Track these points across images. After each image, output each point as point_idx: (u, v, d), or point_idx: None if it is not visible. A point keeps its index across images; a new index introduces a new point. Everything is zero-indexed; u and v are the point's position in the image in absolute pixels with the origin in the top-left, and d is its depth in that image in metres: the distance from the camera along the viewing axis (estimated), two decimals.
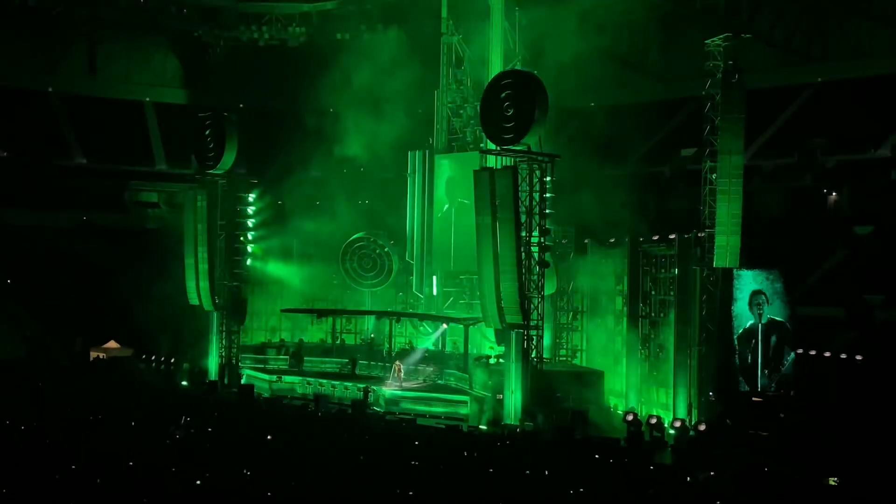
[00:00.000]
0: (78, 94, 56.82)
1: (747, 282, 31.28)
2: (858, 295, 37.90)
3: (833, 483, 23.20)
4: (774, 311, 31.21)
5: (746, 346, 31.31)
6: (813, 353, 33.16)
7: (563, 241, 39.49)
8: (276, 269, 46.77)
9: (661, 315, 34.40)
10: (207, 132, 41.03)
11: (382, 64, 42.67)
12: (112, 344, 46.43)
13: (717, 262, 31.40)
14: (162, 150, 56.68)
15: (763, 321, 31.13)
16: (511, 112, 32.42)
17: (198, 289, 41.53)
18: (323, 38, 56.33)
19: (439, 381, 38.45)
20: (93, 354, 45.79)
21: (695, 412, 31.93)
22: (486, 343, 39.80)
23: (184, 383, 41.13)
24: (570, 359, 39.80)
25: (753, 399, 31.56)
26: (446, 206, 43.66)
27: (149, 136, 57.49)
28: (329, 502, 21.26)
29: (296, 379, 40.00)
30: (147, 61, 59.52)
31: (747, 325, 31.18)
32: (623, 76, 54.48)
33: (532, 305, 33.37)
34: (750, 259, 32.02)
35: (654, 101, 52.22)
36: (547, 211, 33.26)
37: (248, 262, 43.33)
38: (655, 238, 34.74)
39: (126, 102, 57.70)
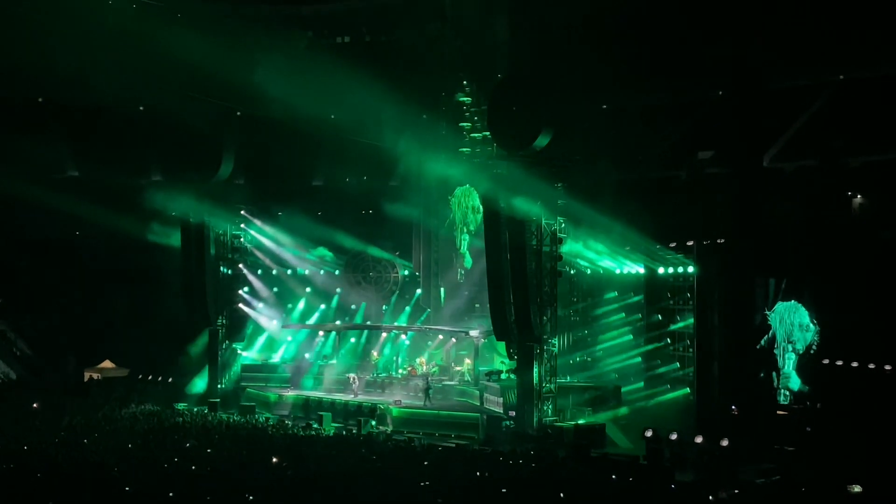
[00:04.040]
0: (71, 103, 56.87)
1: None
2: (886, 302, 37.73)
3: (857, 491, 23.16)
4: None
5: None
6: (840, 363, 32.99)
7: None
8: (277, 282, 46.81)
9: (681, 325, 34.35)
10: (205, 141, 41.20)
11: (384, 68, 42.72)
12: (107, 364, 46.48)
13: (737, 270, 31.36)
14: (158, 161, 56.73)
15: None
16: (519, 117, 32.49)
17: (196, 305, 41.60)
18: (322, 42, 56.43)
19: (449, 398, 38.38)
20: (87, 375, 45.85)
21: (717, 427, 31.81)
22: (497, 357, 39.78)
23: (182, 404, 41.15)
24: (585, 372, 39.73)
25: (778, 412, 31.44)
26: (454, 214, 43.69)
27: (144, 145, 57.55)
28: None
29: (298, 397, 40.01)
30: (142, 68, 59.50)
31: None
32: (635, 77, 54.33)
33: (545, 318, 33.34)
34: (770, 266, 31.98)
35: (669, 102, 52.10)
36: (559, 218, 33.27)
37: (248, 276, 43.39)
38: (672, 245, 34.70)
39: (119, 111, 57.74)
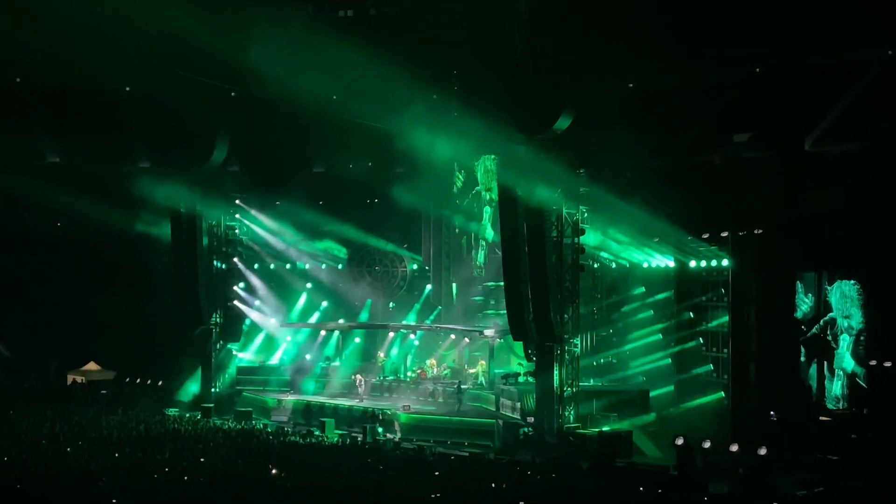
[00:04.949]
0: (51, 84, 56.94)
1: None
2: None
3: None
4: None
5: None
6: (888, 364, 32.81)
7: None
8: (275, 277, 46.82)
9: (714, 324, 34.21)
10: (196, 125, 41.23)
11: (390, 44, 42.54)
12: (92, 366, 46.59)
13: (776, 263, 31.21)
14: (145, 146, 56.82)
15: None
16: (538, 98, 32.41)
17: (188, 302, 41.65)
18: (323, 16, 56.32)
19: (462, 402, 38.35)
20: (70, 378, 45.97)
21: (754, 434, 31.68)
22: (514, 359, 39.74)
23: (173, 410, 41.25)
24: (610, 375, 39.67)
25: (821, 418, 31.30)
26: (467, 203, 43.60)
27: (131, 129, 57.64)
28: None
29: (299, 402, 40.05)
30: (128, 45, 59.50)
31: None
32: (665, 53, 54.05)
33: (566, 315, 33.24)
34: (811, 259, 31.79)
35: (702, 80, 51.84)
36: (581, 207, 33.14)
37: (244, 270, 43.40)
38: (706, 236, 34.56)
39: (104, 92, 57.75)
